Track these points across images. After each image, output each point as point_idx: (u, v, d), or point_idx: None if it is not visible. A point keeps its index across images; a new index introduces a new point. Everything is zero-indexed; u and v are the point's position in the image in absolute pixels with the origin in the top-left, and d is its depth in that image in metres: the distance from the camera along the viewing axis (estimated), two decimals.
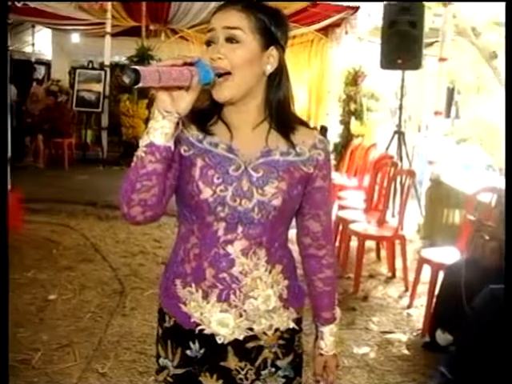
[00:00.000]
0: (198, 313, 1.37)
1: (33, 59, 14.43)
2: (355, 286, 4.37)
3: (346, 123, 9.55)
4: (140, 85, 1.11)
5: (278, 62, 1.37)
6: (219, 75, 1.27)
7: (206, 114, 1.36)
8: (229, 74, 1.29)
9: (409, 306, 4.10)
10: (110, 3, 9.52)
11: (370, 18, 8.64)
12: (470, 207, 3.91)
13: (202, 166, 1.33)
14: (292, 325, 1.44)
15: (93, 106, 9.92)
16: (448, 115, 10.53)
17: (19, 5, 8.83)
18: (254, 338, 1.39)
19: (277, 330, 1.41)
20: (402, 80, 6.63)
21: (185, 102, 1.21)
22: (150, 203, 1.27)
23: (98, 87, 9.83)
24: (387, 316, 3.95)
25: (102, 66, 10.37)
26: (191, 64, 1.21)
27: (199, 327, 1.37)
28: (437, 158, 5.94)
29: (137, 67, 1.10)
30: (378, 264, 5.07)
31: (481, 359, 2.73)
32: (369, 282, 4.60)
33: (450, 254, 3.73)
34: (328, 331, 1.55)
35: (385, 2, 6.36)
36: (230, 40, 1.30)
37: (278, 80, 1.37)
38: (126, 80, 1.10)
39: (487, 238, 3.15)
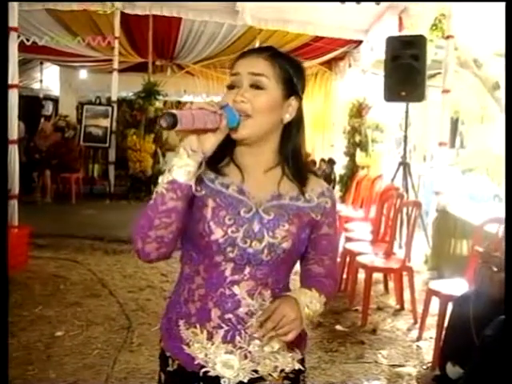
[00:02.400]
0: (203, 354, 1.36)
1: (41, 95, 14.66)
2: (363, 318, 4.34)
3: (351, 155, 9.61)
4: (177, 128, 1.17)
5: (297, 112, 1.41)
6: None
7: (218, 154, 1.38)
8: (249, 116, 1.33)
9: (418, 339, 4.05)
10: (117, 40, 9.69)
11: (373, 52, 8.76)
12: (477, 238, 3.89)
13: (213, 206, 1.35)
14: (297, 366, 1.43)
15: (100, 141, 10.01)
16: (453, 145, 10.57)
17: (28, 43, 9.00)
18: (259, 379, 1.38)
19: (282, 371, 1.40)
20: (406, 111, 6.69)
21: (210, 142, 1.25)
22: (167, 240, 1.29)
23: (106, 122, 9.94)
24: (396, 349, 3.91)
25: (109, 102, 10.51)
26: (220, 107, 1.26)
27: (203, 369, 1.36)
28: (443, 189, 5.94)
29: (174, 111, 1.16)
30: (386, 296, 5.04)
31: None
32: (377, 314, 4.57)
33: (458, 286, 3.71)
34: (305, 291, 1.39)
35: (387, 36, 6.46)
36: (255, 86, 1.34)
37: (294, 129, 1.42)
38: (164, 124, 1.16)
39: (495, 269, 3.13)
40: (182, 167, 1.24)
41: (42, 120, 12.42)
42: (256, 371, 1.37)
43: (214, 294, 1.35)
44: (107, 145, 9.98)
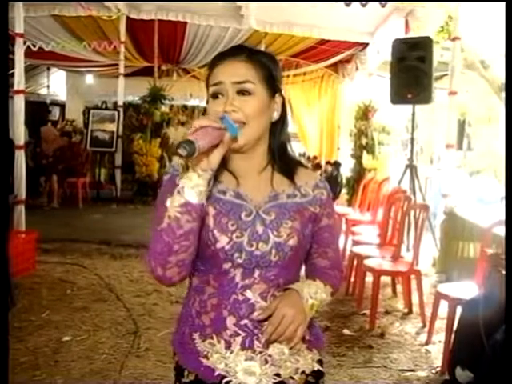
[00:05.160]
0: (223, 364, 1.34)
1: (48, 101, 14.74)
2: (371, 322, 4.31)
3: (357, 157, 9.58)
4: (196, 154, 1.16)
5: (282, 107, 1.42)
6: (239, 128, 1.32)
7: None
8: (243, 124, 1.33)
9: (427, 343, 4.02)
10: (122, 45, 9.72)
11: (379, 54, 8.74)
12: (485, 241, 3.86)
13: (214, 214, 1.34)
14: (317, 366, 1.42)
15: (106, 146, 10.04)
16: (460, 147, 10.53)
17: (35, 49, 9.04)
18: (281, 383, 1.36)
19: (302, 372, 1.39)
20: (413, 113, 6.66)
21: (216, 158, 1.25)
22: (187, 262, 1.29)
23: (112, 127, 9.97)
24: (405, 353, 3.88)
25: (115, 106, 10.55)
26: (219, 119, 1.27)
27: (225, 379, 1.33)
28: (450, 191, 5.91)
29: (191, 138, 1.16)
30: (393, 300, 5.01)
31: None
32: (385, 318, 4.54)
33: (467, 289, 3.68)
34: (308, 282, 1.41)
35: (394, 38, 6.44)
36: (242, 92, 1.33)
37: (280, 125, 1.42)
38: (183, 153, 1.15)
39: (504, 272, 3.11)
40: (193, 188, 1.23)
41: (48, 125, 12.43)
42: (278, 375, 1.35)
43: (227, 301, 1.34)
44: (114, 149, 10.01)
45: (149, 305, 4.70)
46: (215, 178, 1.36)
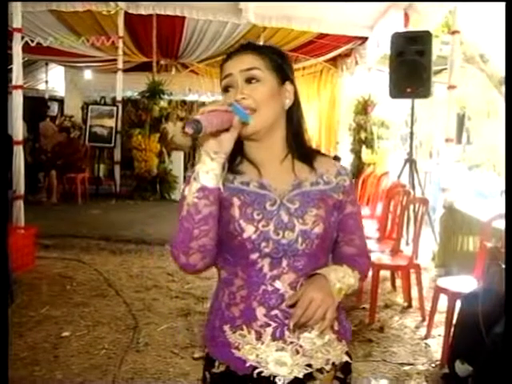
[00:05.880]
0: (254, 355, 1.34)
1: (46, 96, 14.72)
2: (371, 316, 4.31)
3: (356, 152, 9.58)
4: (202, 133, 1.19)
5: (295, 95, 1.43)
6: (249, 113, 1.34)
7: (229, 154, 1.37)
8: (254, 111, 1.34)
9: (426, 337, 4.02)
10: (121, 40, 9.70)
11: (379, 48, 8.71)
12: (485, 234, 3.86)
13: (239, 204, 1.35)
14: (345, 358, 1.42)
15: (105, 141, 10.03)
16: (459, 141, 10.52)
17: (33, 44, 9.02)
18: (310, 377, 1.36)
19: (333, 364, 1.39)
20: (412, 108, 6.65)
21: (228, 141, 1.27)
22: (210, 247, 1.30)
23: (111, 122, 9.96)
24: (404, 347, 3.88)
25: (114, 102, 10.54)
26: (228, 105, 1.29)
27: (257, 370, 1.34)
28: (449, 185, 5.91)
29: (197, 117, 1.18)
30: (393, 294, 5.01)
31: None
32: (385, 312, 4.54)
33: (466, 283, 3.68)
34: (335, 267, 1.39)
35: (393, 33, 6.42)
36: (250, 80, 1.36)
37: (294, 112, 1.43)
38: (190, 131, 1.17)
39: (504, 266, 3.10)
40: (208, 172, 1.25)
41: (47, 120, 12.41)
42: (309, 365, 1.36)
43: (257, 292, 1.35)
44: (112, 145, 10.00)
45: (148, 300, 4.70)
46: (236, 170, 1.39)
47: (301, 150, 1.43)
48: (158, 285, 5.13)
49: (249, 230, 1.32)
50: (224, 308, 1.39)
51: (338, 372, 1.41)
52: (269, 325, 1.34)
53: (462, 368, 3.26)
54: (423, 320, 4.31)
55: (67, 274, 5.37)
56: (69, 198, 9.50)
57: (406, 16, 7.34)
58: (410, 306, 4.65)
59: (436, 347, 3.83)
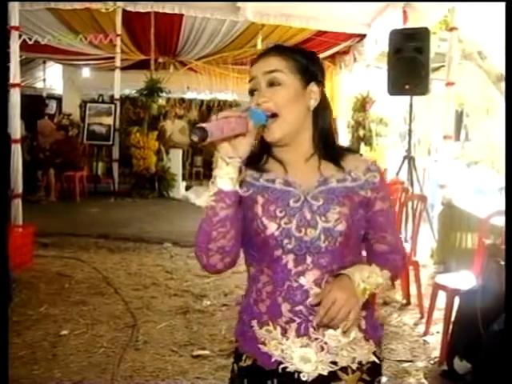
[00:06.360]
0: (279, 350, 1.36)
1: (44, 94, 14.69)
2: None
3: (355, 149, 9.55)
4: (208, 140, 1.19)
5: (320, 96, 1.43)
6: (269, 116, 1.35)
7: (256, 154, 1.43)
8: (276, 115, 1.35)
9: (425, 334, 4.02)
10: (118, 38, 9.68)
11: (377, 45, 8.70)
12: (483, 231, 3.86)
13: (263, 202, 1.37)
14: (373, 358, 1.41)
15: (103, 139, 10.02)
16: (457, 138, 10.52)
17: (30, 42, 9.00)
18: (335, 377, 1.36)
19: (359, 363, 1.38)
20: (411, 105, 6.64)
21: (244, 145, 1.29)
22: (228, 249, 1.33)
23: (109, 120, 9.95)
24: (403, 344, 3.88)
25: (112, 100, 10.53)
26: (244, 110, 1.31)
27: (282, 365, 1.35)
28: (448, 182, 5.91)
29: (203, 125, 1.19)
30: (392, 291, 4.99)
31: None
32: (383, 309, 4.54)
33: (465, 280, 3.68)
34: (361, 267, 1.38)
35: (391, 30, 6.41)
36: (272, 84, 1.37)
37: (322, 113, 1.43)
38: (195, 138, 1.18)
39: (502, 262, 3.10)
40: (223, 176, 1.28)
41: (45, 118, 12.39)
42: (335, 363, 1.36)
43: (282, 288, 1.36)
44: (111, 142, 9.99)
45: (147, 298, 4.70)
46: (262, 168, 1.42)
47: (328, 149, 1.43)
48: (157, 283, 5.13)
49: (271, 227, 1.34)
50: (252, 304, 1.41)
51: (364, 374, 1.40)
52: (293, 320, 1.35)
53: (460, 365, 3.27)
54: (422, 317, 4.32)
55: (66, 273, 5.36)
56: (67, 197, 9.48)
57: (405, 13, 7.34)
58: (408, 303, 4.65)
59: (435, 344, 3.83)
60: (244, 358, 1.42)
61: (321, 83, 1.43)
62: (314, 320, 1.31)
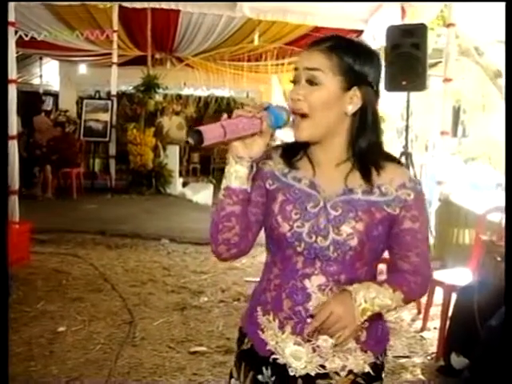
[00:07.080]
0: (274, 341, 1.38)
1: (41, 90, 14.64)
2: None
3: None
4: (205, 143, 1.17)
5: (363, 101, 1.34)
6: (300, 116, 1.32)
7: (293, 148, 1.41)
8: (306, 116, 1.32)
9: (422, 330, 4.04)
10: (115, 34, 9.65)
11: (375, 41, 8.68)
12: (480, 227, 3.87)
13: (281, 200, 1.36)
14: (367, 369, 1.38)
15: (100, 136, 9.99)
16: (455, 134, 10.52)
17: (27, 38, 8.97)
18: (326, 376, 1.36)
19: (350, 372, 1.36)
20: (408, 101, 6.63)
21: (258, 146, 1.27)
22: (233, 242, 1.34)
23: (105, 117, 9.92)
24: (400, 340, 3.89)
25: (108, 96, 10.48)
26: (264, 109, 1.27)
27: (273, 356, 1.38)
28: (445, 178, 5.91)
29: (200, 128, 1.16)
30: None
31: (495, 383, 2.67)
32: None
33: (462, 276, 3.69)
34: (369, 286, 1.34)
35: (388, 26, 6.40)
36: (310, 81, 1.32)
37: (363, 119, 1.35)
38: (191, 141, 1.17)
39: (499, 258, 3.11)
40: (232, 174, 1.29)
41: (42, 115, 12.34)
42: (323, 366, 1.35)
43: (287, 285, 1.36)
44: (107, 139, 9.96)
45: (144, 294, 4.70)
46: (293, 164, 1.40)
47: (365, 159, 1.35)
48: (154, 279, 5.13)
49: (284, 228, 1.34)
50: (261, 291, 1.43)
51: (358, 378, 1.37)
52: (291, 318, 1.35)
53: (457, 360, 3.28)
54: (419, 313, 4.32)
55: (63, 269, 5.36)
56: (64, 193, 9.46)
57: (403, 9, 7.33)
58: None
59: (432, 340, 3.84)
60: (246, 340, 1.46)
61: (369, 86, 1.35)
62: (306, 330, 1.32)
